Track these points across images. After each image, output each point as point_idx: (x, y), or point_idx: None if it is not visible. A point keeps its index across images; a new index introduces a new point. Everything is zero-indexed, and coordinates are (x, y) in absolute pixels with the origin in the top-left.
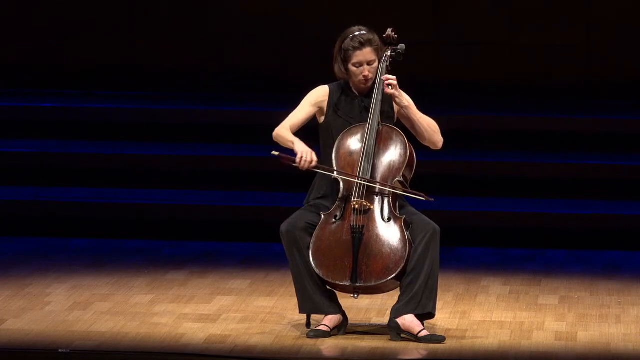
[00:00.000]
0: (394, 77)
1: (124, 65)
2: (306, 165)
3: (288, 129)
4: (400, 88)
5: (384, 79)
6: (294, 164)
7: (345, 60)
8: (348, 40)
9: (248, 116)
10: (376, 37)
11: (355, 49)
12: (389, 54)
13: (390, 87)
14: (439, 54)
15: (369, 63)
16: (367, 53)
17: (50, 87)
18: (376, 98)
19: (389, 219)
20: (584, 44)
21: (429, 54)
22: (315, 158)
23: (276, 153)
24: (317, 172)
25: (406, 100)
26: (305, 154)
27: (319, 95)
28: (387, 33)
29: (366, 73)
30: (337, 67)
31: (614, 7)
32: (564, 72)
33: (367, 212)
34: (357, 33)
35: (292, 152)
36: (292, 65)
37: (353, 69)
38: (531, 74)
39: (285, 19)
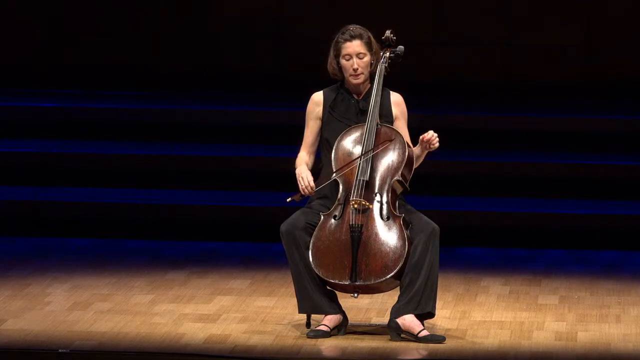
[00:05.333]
0: (435, 134)
1: (124, 65)
2: (307, 191)
3: (302, 155)
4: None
5: (428, 142)
6: (303, 195)
7: (337, 54)
8: (339, 34)
9: (248, 116)
10: (368, 34)
11: (346, 40)
12: (387, 56)
13: (435, 142)
14: (439, 54)
15: (359, 56)
16: (356, 45)
17: (50, 87)
18: (375, 99)
19: (388, 218)
20: (584, 44)
21: (429, 54)
22: (310, 179)
23: (289, 199)
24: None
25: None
26: (301, 182)
27: (314, 106)
28: (385, 35)
29: (355, 66)
30: (329, 63)
31: (614, 7)
32: (564, 72)
33: (366, 211)
34: (350, 27)
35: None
36: (291, 66)
37: (343, 62)
38: (531, 74)
39: (285, 20)
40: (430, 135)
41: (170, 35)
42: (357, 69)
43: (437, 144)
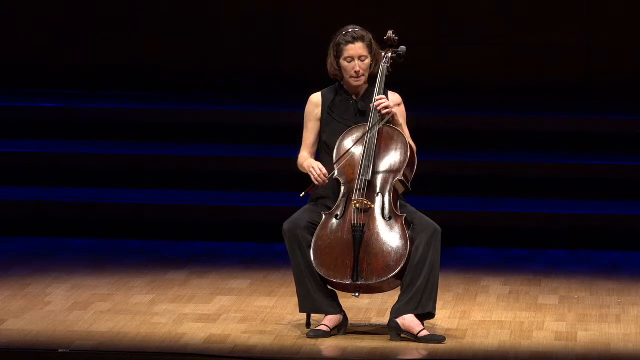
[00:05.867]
0: (383, 97)
1: (124, 65)
2: (321, 180)
3: (304, 155)
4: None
5: (376, 104)
6: (317, 185)
7: (338, 56)
8: (341, 35)
9: (248, 116)
10: (370, 36)
11: (348, 42)
12: (389, 56)
13: (386, 109)
14: (439, 54)
15: (361, 58)
16: (358, 48)
17: (50, 87)
18: (376, 99)
19: (390, 217)
20: (584, 44)
21: (429, 54)
22: (322, 167)
23: (302, 194)
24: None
25: (399, 112)
26: (313, 172)
27: (312, 107)
28: (387, 35)
29: (357, 68)
30: (330, 63)
31: (614, 7)
32: (564, 72)
33: (368, 211)
34: (350, 29)
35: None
36: (292, 66)
37: (345, 63)
38: (531, 74)
39: (285, 19)
40: (377, 103)
41: (171, 35)
42: (359, 71)
43: (388, 108)
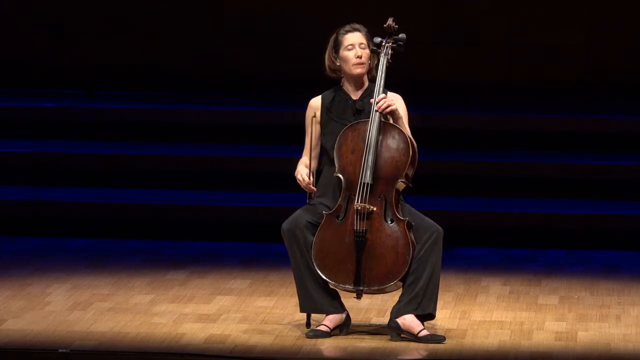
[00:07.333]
0: (383, 96)
1: (124, 65)
2: (310, 188)
3: (302, 160)
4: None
5: (377, 108)
6: (310, 193)
7: (338, 49)
8: (338, 31)
9: (248, 116)
10: (366, 30)
11: (347, 32)
12: (389, 45)
13: (386, 107)
14: (438, 54)
15: (361, 46)
16: (358, 37)
17: (50, 87)
18: (377, 96)
19: (392, 221)
20: (584, 44)
21: (429, 54)
22: (304, 176)
23: (308, 201)
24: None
25: (401, 111)
26: (300, 183)
27: (311, 111)
28: (387, 23)
29: (359, 54)
30: (328, 56)
31: (614, 7)
32: (564, 72)
33: (370, 215)
34: (348, 24)
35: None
36: (292, 65)
37: (345, 53)
38: (531, 74)
39: (285, 19)
40: (378, 106)
41: (170, 35)
42: (361, 56)
43: (390, 106)
